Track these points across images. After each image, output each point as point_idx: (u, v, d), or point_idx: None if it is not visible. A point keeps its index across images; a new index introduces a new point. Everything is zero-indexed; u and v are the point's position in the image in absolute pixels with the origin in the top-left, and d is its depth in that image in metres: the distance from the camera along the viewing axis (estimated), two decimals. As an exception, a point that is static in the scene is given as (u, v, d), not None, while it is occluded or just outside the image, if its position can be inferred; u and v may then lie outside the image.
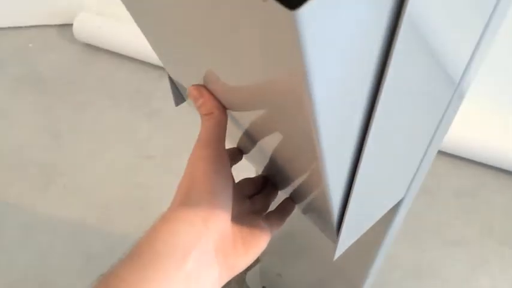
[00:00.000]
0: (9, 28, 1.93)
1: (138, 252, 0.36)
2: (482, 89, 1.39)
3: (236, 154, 0.50)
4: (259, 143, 0.43)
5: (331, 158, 0.29)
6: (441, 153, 1.42)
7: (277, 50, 0.21)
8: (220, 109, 0.42)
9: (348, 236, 0.44)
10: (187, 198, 0.39)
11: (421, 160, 0.45)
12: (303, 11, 0.17)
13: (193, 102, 0.43)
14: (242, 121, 0.41)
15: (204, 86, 0.42)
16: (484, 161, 1.39)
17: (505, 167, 1.37)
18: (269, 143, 0.39)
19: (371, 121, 0.29)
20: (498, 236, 1.28)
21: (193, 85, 0.42)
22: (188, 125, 1.48)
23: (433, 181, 1.38)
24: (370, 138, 0.30)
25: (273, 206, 0.50)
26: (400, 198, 0.49)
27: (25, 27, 1.93)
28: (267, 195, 0.50)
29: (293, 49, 0.19)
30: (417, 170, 0.46)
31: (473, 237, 1.28)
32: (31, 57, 1.84)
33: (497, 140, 1.36)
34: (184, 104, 0.56)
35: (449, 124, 0.44)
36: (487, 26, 0.33)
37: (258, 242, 0.44)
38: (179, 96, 0.54)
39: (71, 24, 1.82)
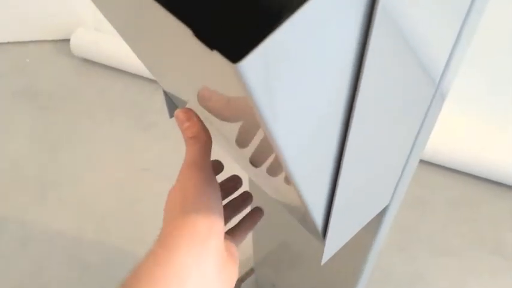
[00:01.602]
0: (7, 43, 1.95)
1: (138, 280, 0.35)
2: (473, 101, 1.42)
3: (217, 167, 0.50)
4: (239, 153, 0.43)
5: (306, 178, 0.30)
6: (432, 164, 1.45)
7: (235, 94, 0.22)
8: (206, 132, 0.42)
9: (335, 241, 0.46)
10: (183, 222, 0.38)
11: (404, 167, 0.46)
12: (245, 63, 0.17)
13: (178, 125, 0.42)
14: (223, 133, 0.42)
15: (192, 110, 0.42)
16: (474, 173, 1.41)
17: (494, 178, 1.39)
18: (251, 156, 0.39)
19: (347, 135, 0.29)
20: (489, 246, 1.30)
21: (181, 109, 0.42)
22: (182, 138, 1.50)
23: (424, 192, 1.40)
24: (348, 151, 0.31)
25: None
26: (385, 205, 0.51)
27: (23, 42, 1.95)
28: (234, 207, 0.51)
29: (246, 97, 0.20)
30: (401, 177, 0.48)
31: (465, 248, 1.29)
32: (29, 72, 1.87)
33: (488, 152, 1.38)
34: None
35: (430, 129, 0.44)
36: (463, 24, 0.33)
37: (236, 256, 0.44)
38: (174, 108, 0.56)
39: (68, 40, 1.85)
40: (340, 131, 0.29)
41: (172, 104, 0.56)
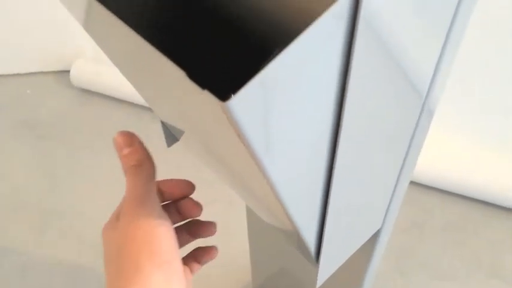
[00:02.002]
0: (8, 75, 1.98)
1: None
2: (469, 123, 1.44)
3: (185, 188, 0.44)
4: (232, 180, 0.42)
5: (296, 206, 0.30)
6: (428, 188, 1.46)
7: (223, 131, 0.23)
8: (150, 160, 0.37)
9: (329, 264, 0.47)
10: (136, 280, 0.32)
11: (394, 189, 0.47)
12: (234, 101, 0.19)
13: (117, 151, 0.38)
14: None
15: (134, 134, 0.38)
16: (471, 195, 1.43)
17: (491, 200, 1.41)
18: (244, 184, 0.39)
19: (334, 161, 0.30)
20: (486, 269, 1.30)
21: (121, 132, 0.38)
22: (184, 166, 1.52)
23: (420, 216, 1.41)
24: (336, 177, 0.32)
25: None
26: (377, 229, 0.53)
27: (24, 74, 1.98)
28: (194, 232, 0.45)
29: (236, 133, 0.21)
30: (391, 199, 0.49)
31: (462, 271, 1.30)
32: (29, 103, 1.89)
33: (483, 174, 1.40)
34: (176, 145, 0.59)
35: (419, 149, 0.44)
36: (447, 38, 0.33)
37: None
38: (171, 137, 0.57)
39: (68, 71, 1.89)
40: (328, 157, 0.30)
41: (170, 133, 0.57)
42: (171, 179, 0.44)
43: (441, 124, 1.42)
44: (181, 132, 0.49)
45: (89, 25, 0.33)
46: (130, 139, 0.37)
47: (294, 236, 0.43)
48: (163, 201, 0.44)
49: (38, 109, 1.86)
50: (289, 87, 0.22)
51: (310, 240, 0.38)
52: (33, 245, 1.41)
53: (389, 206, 0.50)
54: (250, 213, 0.76)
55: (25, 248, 1.40)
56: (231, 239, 1.25)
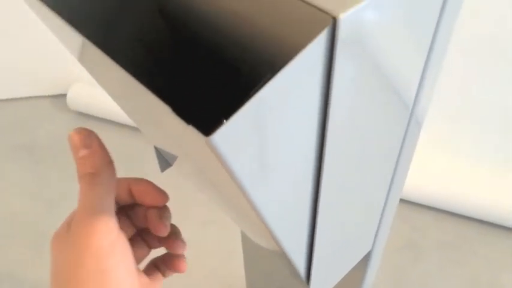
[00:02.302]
0: (6, 100, 2.00)
1: None
2: (462, 143, 1.45)
3: (157, 197, 0.39)
4: (224, 206, 0.42)
5: (284, 231, 0.31)
6: (423, 206, 1.47)
7: (211, 163, 0.23)
8: (111, 168, 0.32)
9: (320, 287, 0.47)
10: None
11: (383, 210, 0.48)
12: (216, 136, 0.19)
13: (72, 151, 0.31)
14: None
15: (93, 133, 0.32)
16: (465, 214, 1.43)
17: (485, 218, 1.41)
18: (233, 209, 0.39)
19: (320, 188, 0.31)
20: (483, 287, 1.30)
21: (78, 129, 0.32)
22: (178, 187, 1.52)
23: (416, 235, 1.42)
24: (322, 201, 0.32)
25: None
26: (368, 250, 0.53)
27: (21, 98, 2.00)
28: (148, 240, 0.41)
29: (221, 165, 0.22)
30: (381, 220, 0.49)
31: (460, 290, 1.30)
32: (26, 127, 1.90)
33: (478, 192, 1.41)
34: (170, 169, 0.60)
35: (406, 168, 0.45)
36: (430, 51, 0.33)
37: None
38: (164, 162, 0.58)
39: (65, 95, 1.90)
40: (314, 181, 0.31)
41: (163, 158, 0.58)
42: (144, 183, 0.40)
43: (436, 142, 1.44)
44: (174, 158, 0.50)
45: (81, 58, 0.34)
46: (89, 138, 0.31)
47: (285, 259, 0.44)
48: (128, 203, 0.40)
49: (35, 133, 1.87)
50: (271, 120, 0.23)
51: (300, 262, 0.39)
52: (31, 267, 1.40)
53: (379, 226, 0.50)
54: (244, 235, 0.76)
55: (23, 271, 1.40)
56: (227, 261, 1.25)
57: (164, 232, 0.38)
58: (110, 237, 0.30)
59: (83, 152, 0.31)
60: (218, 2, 0.31)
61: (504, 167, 1.43)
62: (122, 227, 0.33)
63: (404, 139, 0.40)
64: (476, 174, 1.43)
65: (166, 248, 0.41)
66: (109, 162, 0.32)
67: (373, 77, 0.29)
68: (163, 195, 0.39)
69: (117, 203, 0.38)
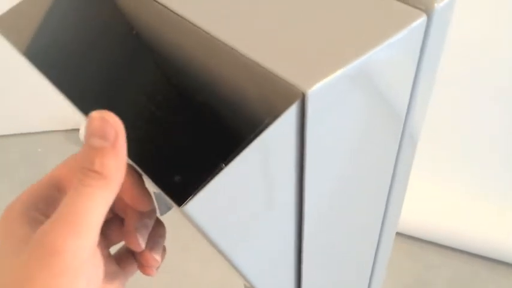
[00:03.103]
0: (19, 134, 2.04)
1: None
2: (471, 179, 1.44)
3: (142, 200, 0.33)
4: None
5: None
6: (433, 244, 1.45)
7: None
8: (122, 175, 0.24)
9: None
10: None
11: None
12: (190, 206, 0.20)
13: (86, 133, 0.24)
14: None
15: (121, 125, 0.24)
16: (476, 252, 1.41)
17: (496, 257, 1.39)
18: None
19: (302, 250, 0.31)
20: (494, 327, 1.27)
21: (105, 112, 0.23)
22: (181, 226, 1.53)
23: (426, 273, 1.39)
24: (305, 264, 0.33)
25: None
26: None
27: (34, 133, 2.04)
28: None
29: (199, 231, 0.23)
30: (373, 266, 0.48)
31: (470, 330, 1.27)
32: (40, 162, 1.94)
33: (489, 230, 1.39)
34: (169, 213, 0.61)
35: (398, 211, 0.43)
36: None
37: None
38: (164, 205, 0.59)
39: (78, 129, 1.94)
40: (296, 242, 0.31)
41: (163, 201, 0.59)
42: (140, 194, 0.33)
43: (441, 179, 1.43)
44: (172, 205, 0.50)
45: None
46: (115, 131, 0.23)
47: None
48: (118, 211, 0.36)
49: (48, 167, 1.89)
50: (247, 188, 0.24)
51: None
52: None
53: (372, 273, 0.50)
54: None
55: None
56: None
57: (137, 246, 0.33)
58: (82, 256, 0.24)
59: (97, 142, 0.23)
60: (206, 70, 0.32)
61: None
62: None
63: (391, 183, 0.39)
64: (486, 212, 1.41)
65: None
66: (125, 168, 0.24)
67: (348, 140, 0.29)
68: (148, 198, 0.33)
69: None
